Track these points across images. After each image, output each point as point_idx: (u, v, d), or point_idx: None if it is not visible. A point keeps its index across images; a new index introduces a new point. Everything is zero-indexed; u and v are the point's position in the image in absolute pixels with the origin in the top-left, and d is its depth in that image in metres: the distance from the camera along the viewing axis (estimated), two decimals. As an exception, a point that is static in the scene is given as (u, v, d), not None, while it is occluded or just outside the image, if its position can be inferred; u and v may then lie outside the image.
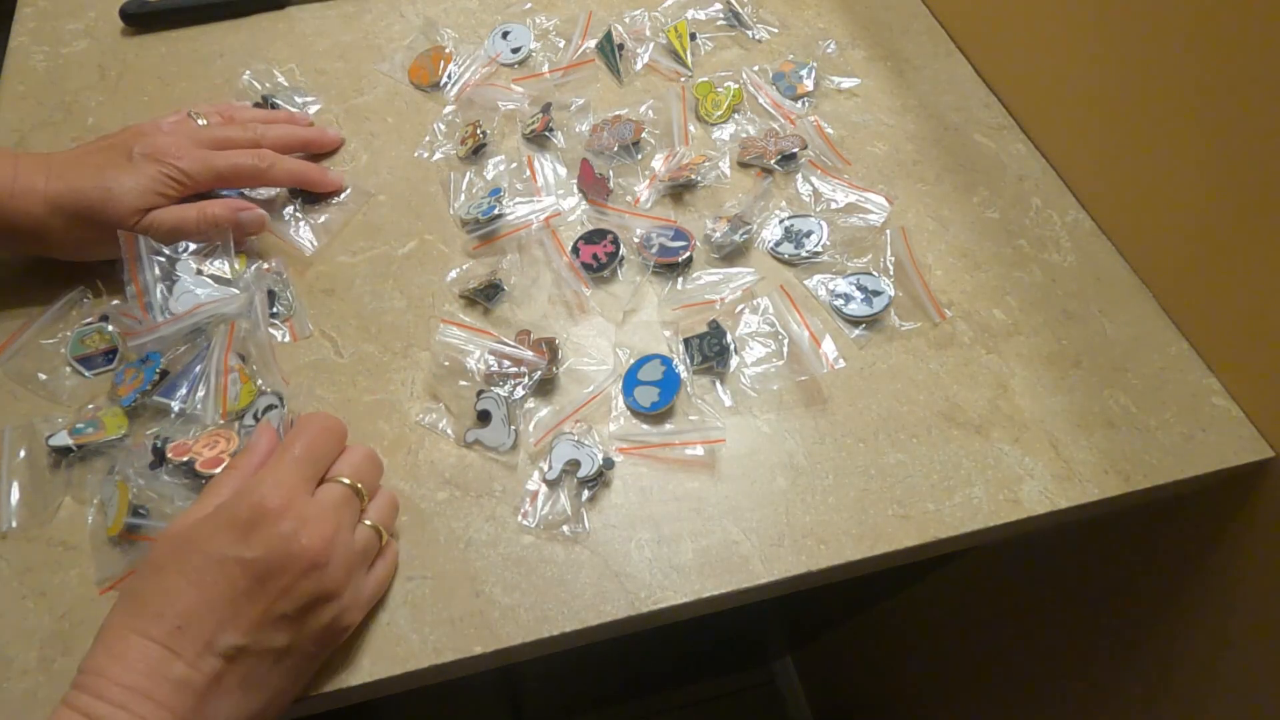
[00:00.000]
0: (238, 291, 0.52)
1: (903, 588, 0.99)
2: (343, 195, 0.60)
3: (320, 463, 0.42)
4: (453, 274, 0.56)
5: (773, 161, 0.61)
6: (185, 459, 0.45)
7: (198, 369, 0.49)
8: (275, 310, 0.53)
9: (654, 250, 0.56)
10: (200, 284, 0.52)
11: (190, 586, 0.36)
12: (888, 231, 0.57)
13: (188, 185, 0.52)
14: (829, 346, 0.52)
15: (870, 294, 0.55)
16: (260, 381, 0.49)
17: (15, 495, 0.46)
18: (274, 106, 0.64)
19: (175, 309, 0.52)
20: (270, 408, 0.48)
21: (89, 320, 0.52)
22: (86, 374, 0.50)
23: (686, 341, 0.52)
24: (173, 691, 0.35)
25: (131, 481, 0.44)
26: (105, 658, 0.35)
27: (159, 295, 0.52)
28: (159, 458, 0.45)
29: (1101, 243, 0.59)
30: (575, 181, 0.60)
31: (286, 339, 0.53)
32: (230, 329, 0.50)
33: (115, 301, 0.52)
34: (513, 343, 0.51)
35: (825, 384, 0.52)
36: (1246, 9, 0.46)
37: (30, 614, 0.43)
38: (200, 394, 0.48)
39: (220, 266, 0.53)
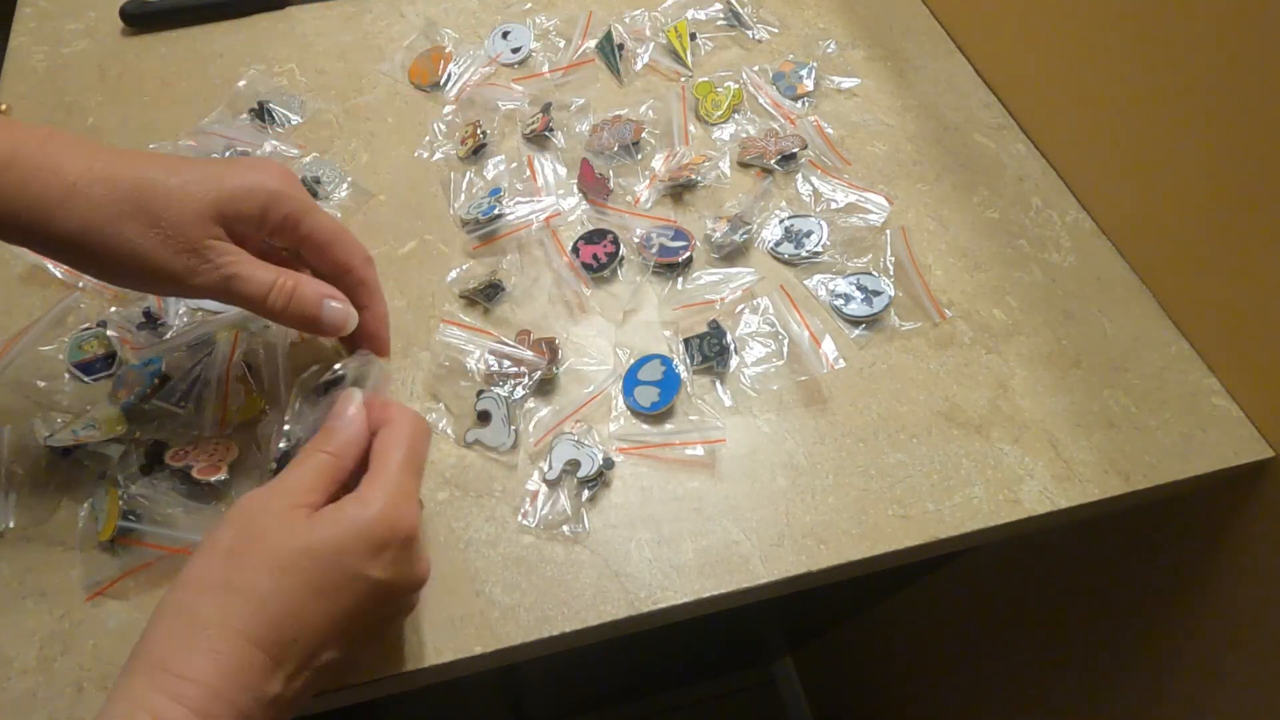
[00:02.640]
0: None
1: (903, 588, 0.99)
2: (343, 193, 0.60)
3: (422, 475, 0.40)
4: (453, 274, 0.56)
5: (773, 161, 0.61)
6: (182, 465, 0.45)
7: (197, 374, 0.49)
8: None
9: (654, 250, 0.56)
10: None
11: (317, 599, 0.34)
12: (888, 231, 0.57)
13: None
14: (829, 346, 0.52)
15: (870, 294, 0.55)
16: (339, 366, 0.42)
17: (13, 495, 0.46)
18: (269, 113, 0.63)
19: (191, 302, 0.52)
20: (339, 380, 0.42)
21: (86, 325, 0.51)
22: (85, 379, 0.50)
23: (686, 341, 0.52)
24: (259, 707, 0.32)
25: (122, 486, 0.44)
26: (201, 657, 0.31)
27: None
28: (150, 462, 0.45)
29: (1101, 243, 0.59)
30: (575, 181, 0.60)
31: (294, 338, 0.53)
32: (234, 339, 0.50)
33: (114, 309, 0.52)
34: (513, 343, 0.51)
35: (825, 384, 0.52)
36: (1246, 9, 0.46)
37: (30, 614, 0.43)
38: (200, 399, 0.48)
39: None
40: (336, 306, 0.43)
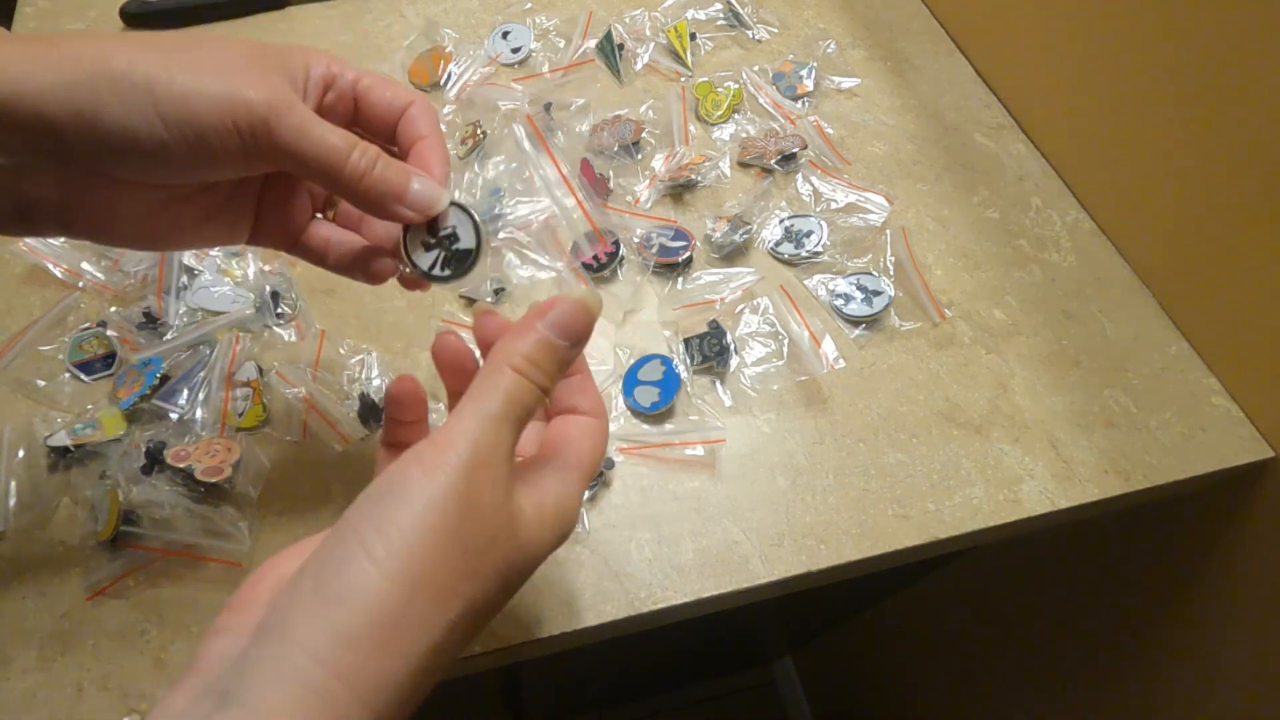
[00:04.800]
0: (250, 296, 0.52)
1: (903, 588, 0.99)
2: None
3: None
4: (453, 274, 0.56)
5: (773, 161, 0.61)
6: (185, 466, 0.45)
7: (199, 375, 0.49)
8: (280, 310, 0.53)
9: (654, 250, 0.56)
10: (219, 283, 0.52)
11: (501, 593, 0.29)
12: (888, 231, 0.57)
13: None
14: (829, 346, 0.52)
15: (870, 294, 0.55)
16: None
17: (13, 495, 0.46)
18: None
19: (191, 302, 0.52)
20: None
21: (86, 325, 0.51)
22: (85, 379, 0.50)
23: (686, 341, 0.52)
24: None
25: (122, 487, 0.44)
26: (380, 631, 0.25)
27: (175, 292, 0.52)
28: (150, 462, 0.45)
29: (1101, 243, 0.59)
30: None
31: (294, 338, 0.53)
32: (235, 341, 0.50)
33: (114, 309, 0.52)
34: (513, 343, 0.51)
35: (825, 384, 0.52)
36: (1245, 11, 0.46)
37: (30, 614, 0.43)
38: (201, 398, 0.48)
39: (239, 266, 0.53)
40: (426, 181, 0.35)
